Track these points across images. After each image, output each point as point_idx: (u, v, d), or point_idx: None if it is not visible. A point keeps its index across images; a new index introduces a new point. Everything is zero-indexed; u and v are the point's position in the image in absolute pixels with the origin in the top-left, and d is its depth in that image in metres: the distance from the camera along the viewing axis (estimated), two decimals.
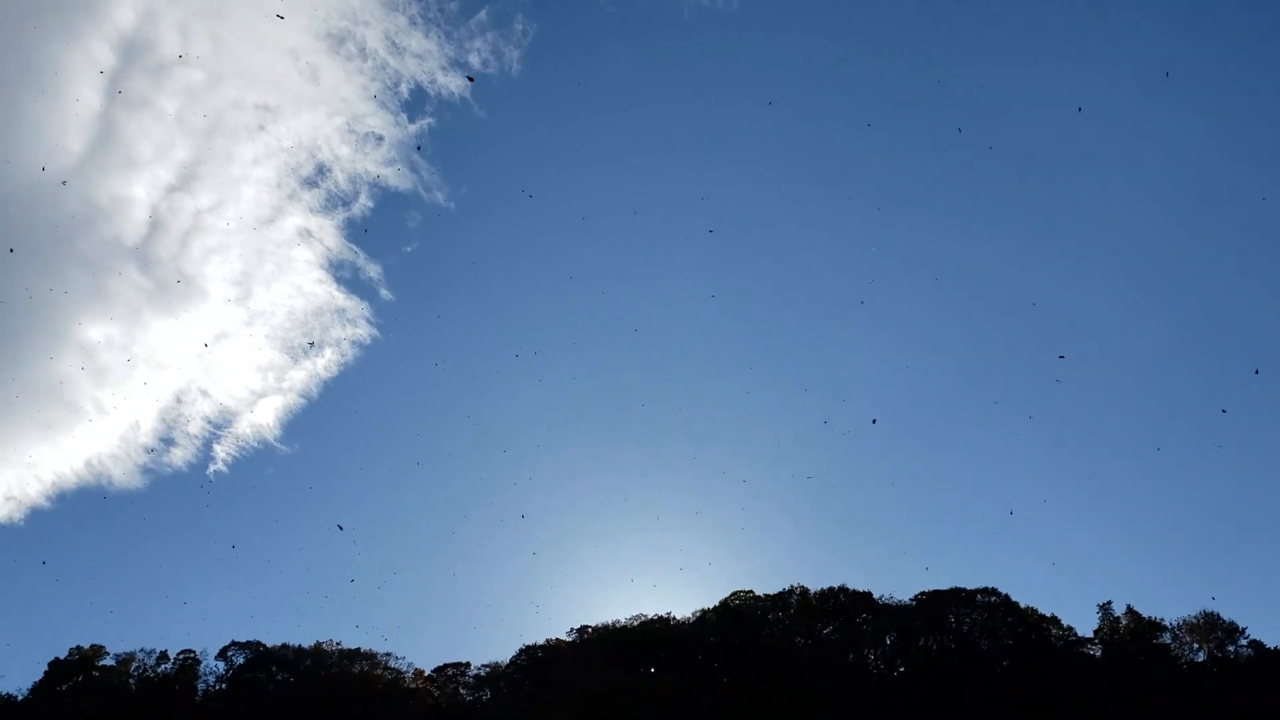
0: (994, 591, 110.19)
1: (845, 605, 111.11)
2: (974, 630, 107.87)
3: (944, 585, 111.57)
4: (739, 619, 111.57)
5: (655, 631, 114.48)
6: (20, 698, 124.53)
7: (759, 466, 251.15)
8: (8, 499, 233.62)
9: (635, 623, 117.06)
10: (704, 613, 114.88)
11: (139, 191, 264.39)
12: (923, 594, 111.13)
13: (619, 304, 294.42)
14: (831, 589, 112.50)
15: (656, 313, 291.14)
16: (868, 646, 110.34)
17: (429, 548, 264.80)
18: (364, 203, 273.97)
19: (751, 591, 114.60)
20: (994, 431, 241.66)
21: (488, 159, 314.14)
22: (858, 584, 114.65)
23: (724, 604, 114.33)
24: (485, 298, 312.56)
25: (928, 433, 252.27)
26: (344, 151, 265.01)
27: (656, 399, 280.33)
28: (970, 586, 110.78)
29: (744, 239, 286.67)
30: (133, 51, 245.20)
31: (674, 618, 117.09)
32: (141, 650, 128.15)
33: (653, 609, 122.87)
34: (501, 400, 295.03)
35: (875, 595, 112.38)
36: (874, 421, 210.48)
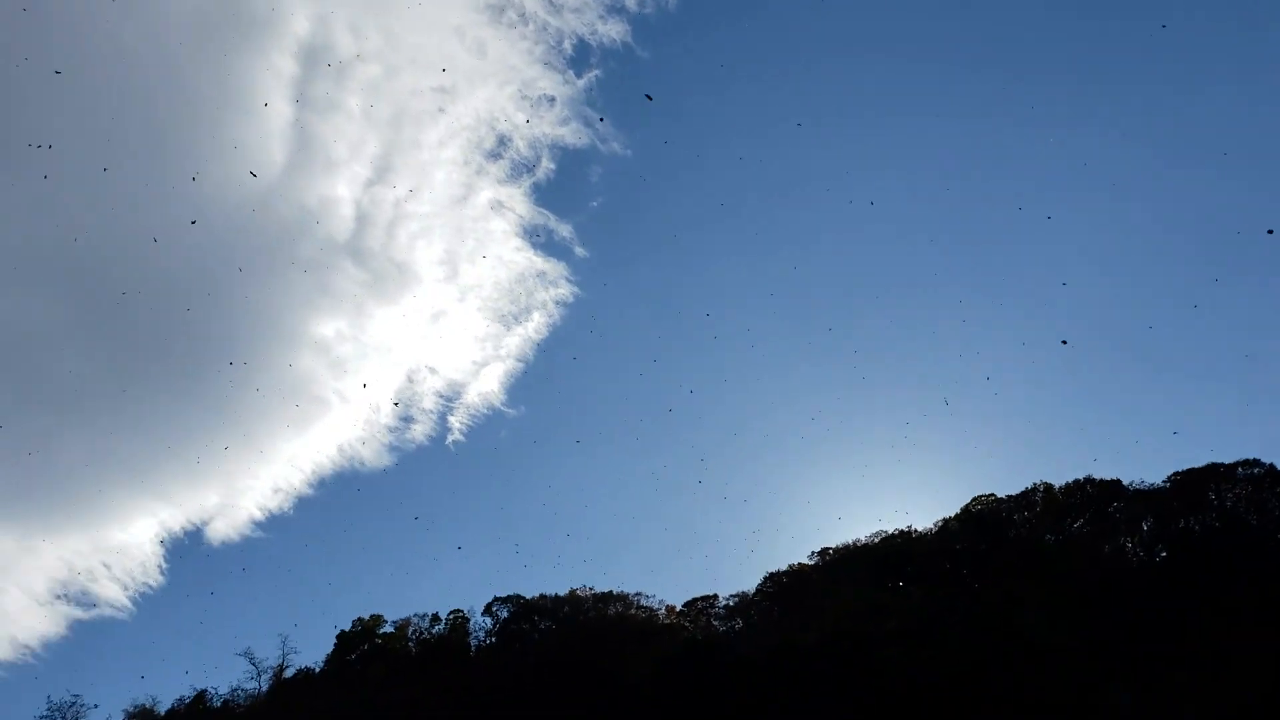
0: (1256, 463, 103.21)
1: (1093, 496, 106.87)
2: (1239, 505, 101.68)
3: (1198, 463, 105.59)
4: (982, 524, 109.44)
5: (897, 546, 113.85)
6: (318, 669, 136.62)
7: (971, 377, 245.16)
8: (276, 491, 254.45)
9: (876, 539, 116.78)
10: (945, 521, 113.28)
11: (342, 190, 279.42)
12: (1176, 475, 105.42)
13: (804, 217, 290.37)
14: (1077, 481, 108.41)
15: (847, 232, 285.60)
16: (1122, 535, 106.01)
17: (664, 489, 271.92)
18: (546, 165, 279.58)
19: (993, 495, 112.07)
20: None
21: (657, 100, 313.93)
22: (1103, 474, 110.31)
23: (965, 510, 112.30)
24: (673, 237, 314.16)
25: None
26: (520, 119, 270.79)
27: (862, 313, 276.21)
28: (1227, 460, 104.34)
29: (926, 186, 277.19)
30: (313, 58, 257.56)
31: (915, 530, 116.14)
32: (415, 615, 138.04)
33: (892, 525, 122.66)
34: (713, 330, 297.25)
35: (1124, 482, 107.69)
36: (1064, 342, 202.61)
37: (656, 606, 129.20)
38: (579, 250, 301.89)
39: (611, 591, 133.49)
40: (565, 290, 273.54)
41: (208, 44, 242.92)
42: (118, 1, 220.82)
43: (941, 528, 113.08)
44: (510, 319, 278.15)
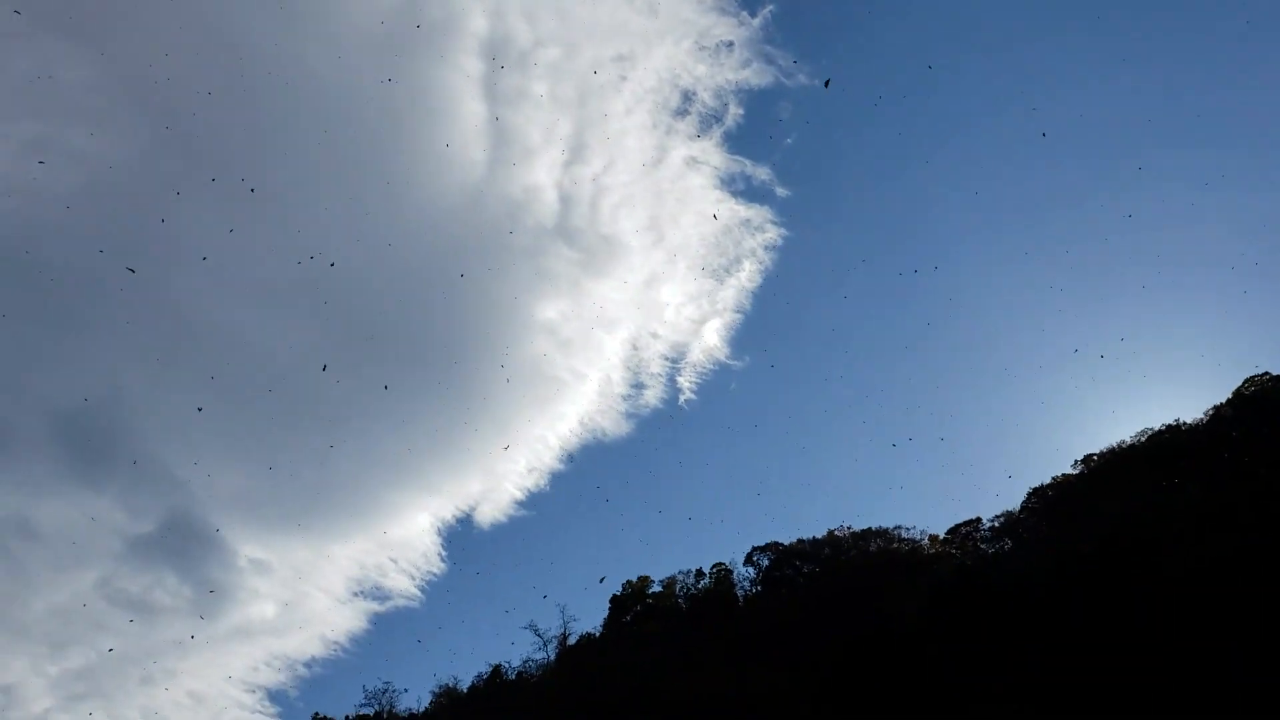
0: None
1: None
2: None
3: None
4: (1259, 405, 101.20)
5: (1166, 442, 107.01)
6: (597, 634, 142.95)
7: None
8: (531, 471, 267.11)
9: (1143, 439, 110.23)
10: (1217, 409, 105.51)
11: (542, 176, 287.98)
12: None
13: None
14: None
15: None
16: None
17: (902, 420, 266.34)
18: (734, 112, 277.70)
19: (1267, 374, 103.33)
20: None
21: (833, 19, 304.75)
22: None
23: (1238, 394, 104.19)
24: (874, 159, 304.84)
25: None
26: (701, 70, 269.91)
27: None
28: None
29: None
30: (496, 52, 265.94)
31: (1183, 423, 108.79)
32: (680, 572, 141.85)
33: (1159, 420, 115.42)
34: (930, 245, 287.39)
35: None
36: None
37: (918, 537, 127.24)
38: (780, 191, 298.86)
39: (870, 528, 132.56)
40: (772, 234, 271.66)
41: (396, 59, 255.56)
42: (304, 34, 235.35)
43: (1213, 416, 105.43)
44: (721, 271, 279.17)
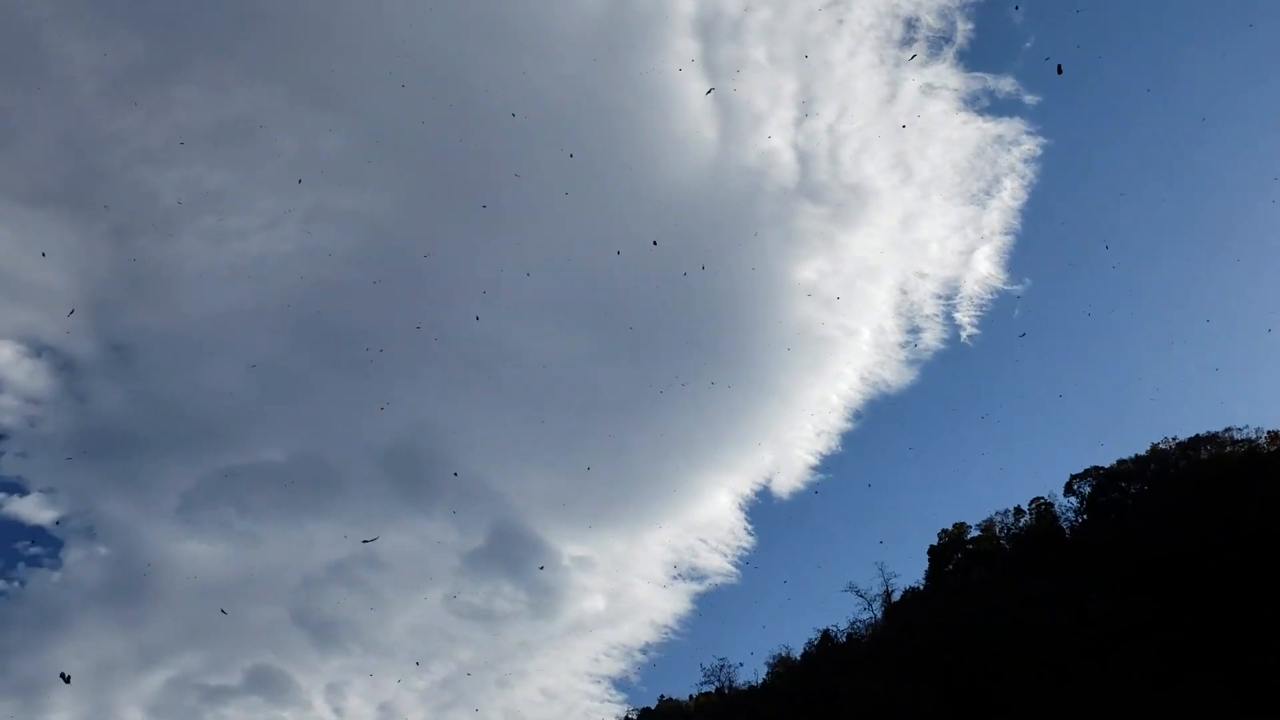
0: None
1: None
2: None
3: None
4: None
5: None
6: (920, 586, 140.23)
7: None
8: (819, 434, 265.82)
9: None
10: None
11: (776, 139, 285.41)
12: None
13: None
14: None
15: None
16: None
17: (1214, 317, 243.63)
18: (963, 28, 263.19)
19: None
20: None
21: None
22: None
23: None
24: (1127, 43, 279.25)
25: None
26: None
27: None
28: None
29: None
30: (708, 27, 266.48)
31: None
32: (996, 513, 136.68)
33: None
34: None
35: None
36: None
37: (1255, 436, 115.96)
38: (1029, 99, 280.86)
39: (1198, 435, 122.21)
40: (1029, 145, 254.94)
41: (613, 58, 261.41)
42: (520, 53, 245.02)
43: None
44: (981, 195, 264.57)
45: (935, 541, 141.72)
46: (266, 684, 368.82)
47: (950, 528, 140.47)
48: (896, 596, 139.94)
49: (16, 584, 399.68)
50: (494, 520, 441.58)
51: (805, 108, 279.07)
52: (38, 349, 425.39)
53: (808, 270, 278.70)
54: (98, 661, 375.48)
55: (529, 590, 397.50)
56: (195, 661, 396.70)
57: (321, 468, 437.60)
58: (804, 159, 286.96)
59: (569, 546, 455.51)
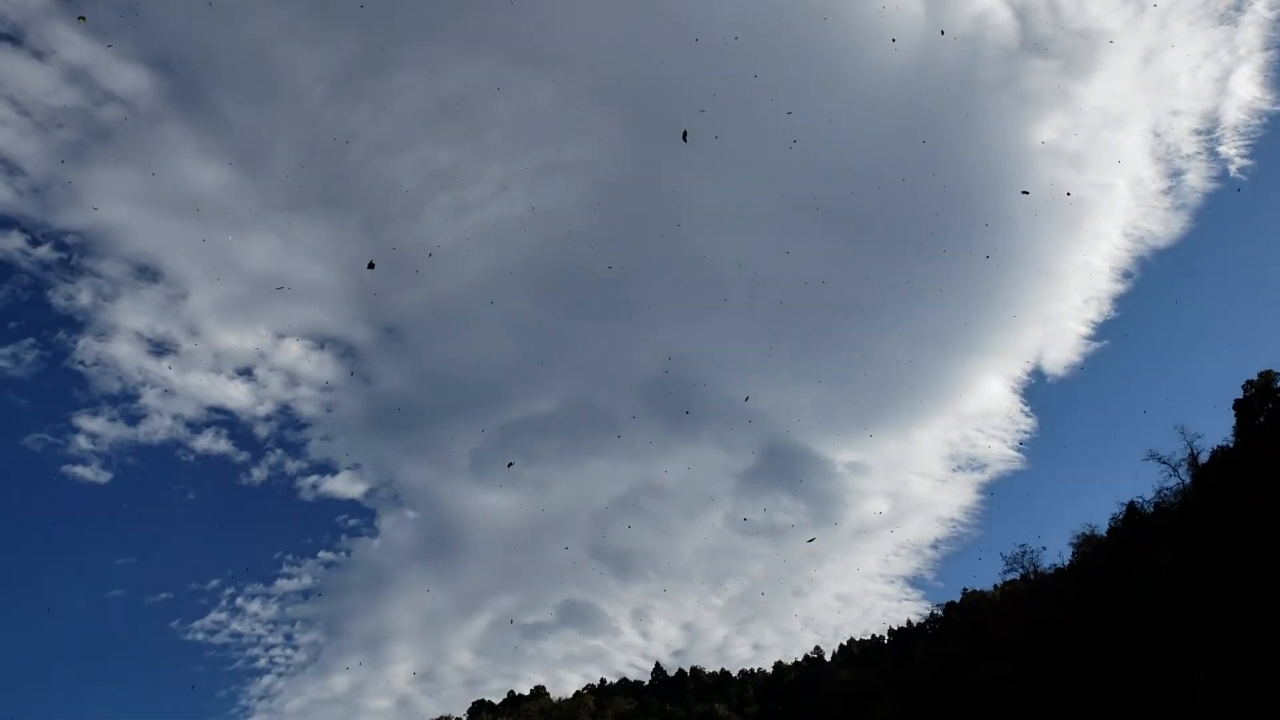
0: None
1: None
2: None
3: None
4: None
5: None
6: (1230, 444, 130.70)
7: None
8: (1087, 302, 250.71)
9: None
10: None
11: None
12: None
13: None
14: None
15: None
16: None
17: None
18: None
19: None
20: None
21: None
22: None
23: None
24: None
25: None
26: None
27: None
28: None
29: None
30: None
31: None
32: None
33: None
34: None
35: None
36: None
37: None
38: None
39: None
40: None
41: None
42: None
43: None
44: (1231, 12, 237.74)
45: (1240, 395, 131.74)
46: (577, 616, 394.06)
47: (1256, 377, 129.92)
48: (1204, 459, 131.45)
49: (344, 554, 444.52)
50: (761, 439, 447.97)
51: None
52: (320, 341, 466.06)
53: (1045, 130, 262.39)
54: (424, 613, 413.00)
55: (808, 501, 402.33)
56: (510, 603, 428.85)
57: (591, 411, 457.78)
58: (1022, 13, 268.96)
59: (840, 454, 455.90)
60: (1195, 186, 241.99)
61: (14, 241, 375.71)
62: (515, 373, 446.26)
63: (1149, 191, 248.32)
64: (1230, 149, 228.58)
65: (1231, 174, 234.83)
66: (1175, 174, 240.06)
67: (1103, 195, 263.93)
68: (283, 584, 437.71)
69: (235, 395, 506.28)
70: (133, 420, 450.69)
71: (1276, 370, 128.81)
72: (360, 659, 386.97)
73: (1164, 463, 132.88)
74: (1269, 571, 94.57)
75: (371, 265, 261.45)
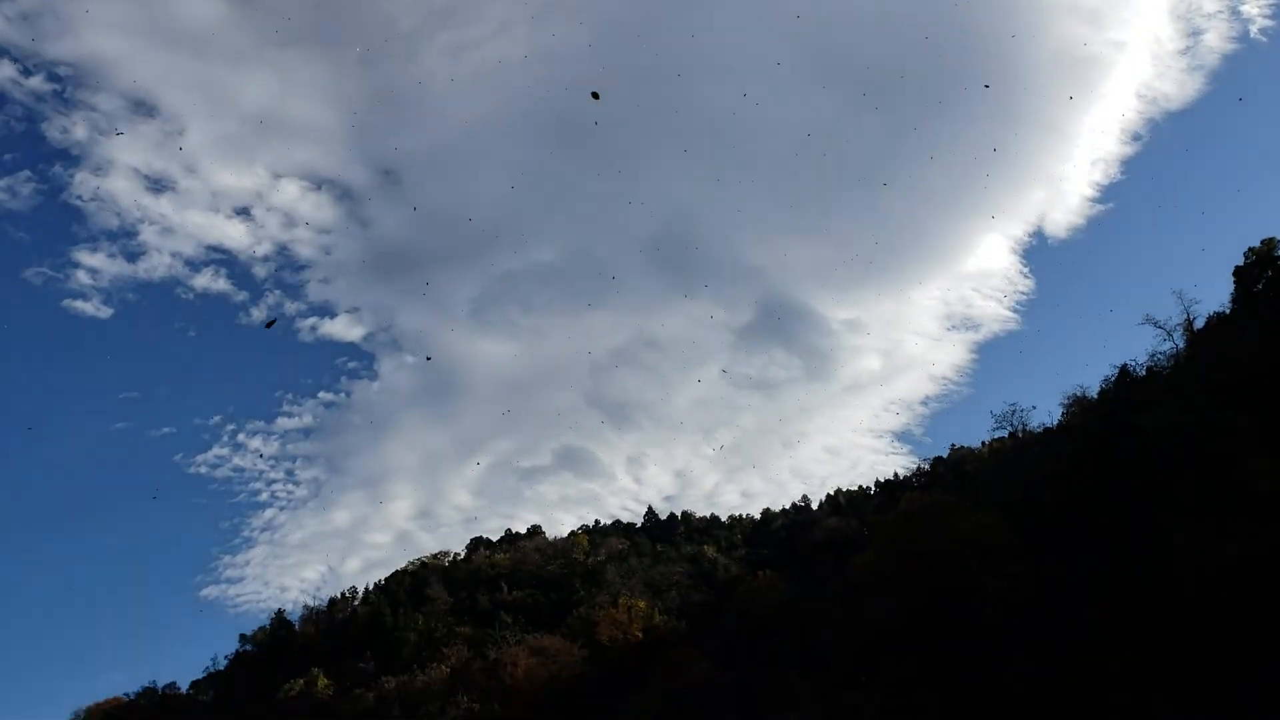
0: None
1: None
2: None
3: None
4: None
5: None
6: (1225, 310, 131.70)
7: None
8: (1094, 163, 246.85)
9: None
10: None
11: None
12: None
13: None
14: None
15: None
16: None
17: None
18: None
19: None
20: None
21: None
22: None
23: None
24: None
25: None
26: None
27: None
28: None
29: None
30: None
31: None
32: None
33: None
34: None
35: None
36: None
37: None
38: None
39: None
40: None
41: None
42: None
43: None
44: None
45: (1241, 262, 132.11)
46: (573, 461, 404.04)
47: (1259, 244, 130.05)
48: (1199, 324, 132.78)
49: (344, 395, 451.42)
50: (759, 294, 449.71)
51: None
52: (317, 182, 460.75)
53: None
54: (425, 454, 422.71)
55: (802, 356, 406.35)
56: (508, 447, 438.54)
57: (592, 262, 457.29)
58: None
59: (837, 310, 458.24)
60: (1214, 47, 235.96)
61: (5, 71, 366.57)
62: (515, 220, 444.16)
63: (1165, 51, 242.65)
64: (1253, 8, 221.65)
65: (1252, 34, 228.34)
66: (1194, 33, 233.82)
67: (1116, 53, 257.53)
68: (283, 422, 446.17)
69: (233, 235, 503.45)
70: (132, 257, 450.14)
71: (1279, 238, 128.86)
72: (362, 495, 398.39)
73: (1159, 327, 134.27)
74: (1254, 435, 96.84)
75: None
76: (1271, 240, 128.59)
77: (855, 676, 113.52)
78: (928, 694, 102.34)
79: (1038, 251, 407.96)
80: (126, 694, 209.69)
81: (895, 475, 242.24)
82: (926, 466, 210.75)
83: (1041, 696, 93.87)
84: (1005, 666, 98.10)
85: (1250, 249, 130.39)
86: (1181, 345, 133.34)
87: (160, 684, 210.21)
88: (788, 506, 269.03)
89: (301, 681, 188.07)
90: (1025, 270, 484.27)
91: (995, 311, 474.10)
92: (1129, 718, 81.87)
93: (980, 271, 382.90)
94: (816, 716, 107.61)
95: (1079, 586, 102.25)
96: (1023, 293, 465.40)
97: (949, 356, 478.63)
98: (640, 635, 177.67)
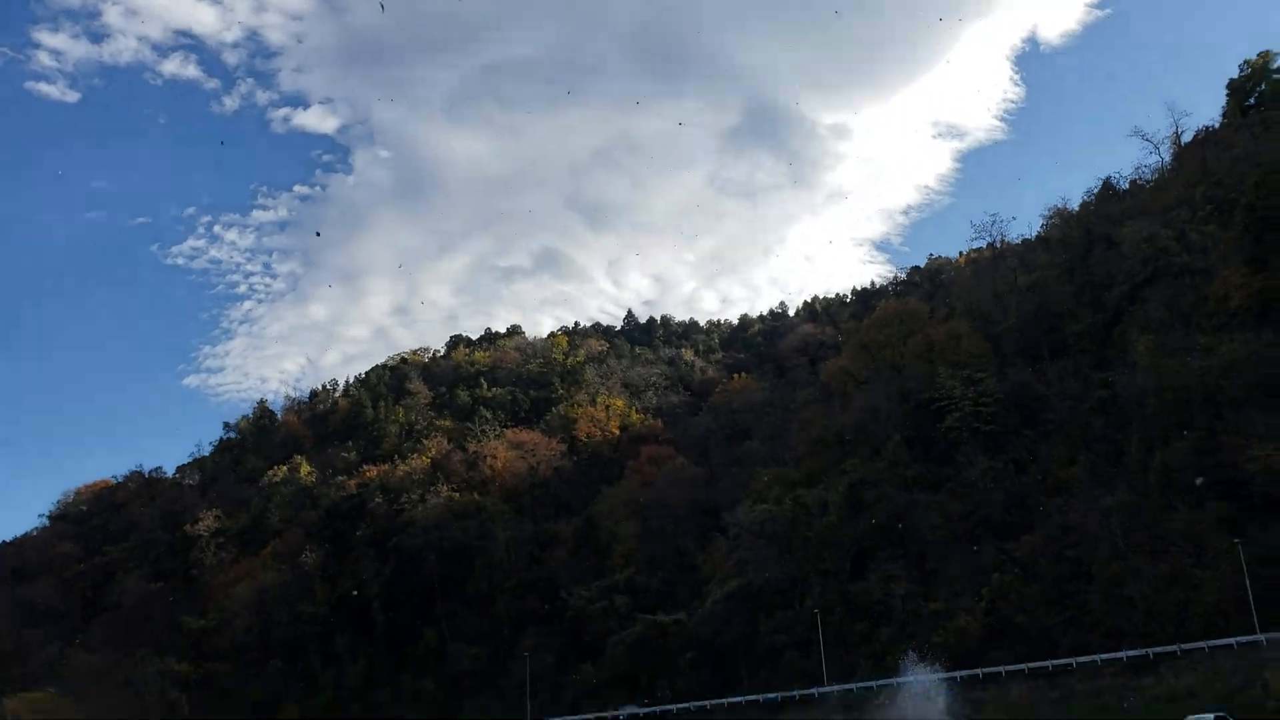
0: None
1: None
2: None
3: None
4: None
5: None
6: (1216, 125, 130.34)
7: None
8: None
9: None
10: None
11: None
12: None
13: None
14: None
15: None
16: None
17: None
18: None
19: None
20: None
21: None
22: None
23: None
24: None
25: None
26: None
27: None
28: None
29: None
30: None
31: None
32: None
33: None
34: None
35: None
36: None
37: None
38: None
39: None
40: None
41: None
42: None
43: None
44: None
45: (1235, 75, 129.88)
46: (551, 263, 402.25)
47: (1254, 58, 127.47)
48: (1187, 138, 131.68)
49: (319, 188, 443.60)
50: (748, 95, 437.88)
51: None
52: None
53: None
54: (402, 250, 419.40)
55: (789, 162, 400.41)
56: (486, 246, 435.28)
57: (573, 57, 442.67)
58: None
59: (824, 115, 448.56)
60: None
61: None
62: (494, 11, 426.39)
63: None
64: None
65: None
66: None
67: None
68: (259, 214, 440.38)
69: (202, 19, 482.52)
70: (96, 38, 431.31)
71: (1276, 52, 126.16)
72: (339, 291, 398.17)
73: (1147, 139, 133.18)
74: (1234, 249, 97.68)
75: None
76: (1267, 53, 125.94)
77: (821, 474, 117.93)
78: (889, 488, 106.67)
79: (1030, 59, 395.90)
80: (114, 476, 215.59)
81: (871, 284, 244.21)
82: (903, 275, 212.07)
83: (1003, 491, 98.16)
84: (970, 465, 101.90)
85: (1246, 61, 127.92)
86: (1168, 159, 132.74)
87: (147, 468, 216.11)
88: (765, 313, 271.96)
89: (285, 468, 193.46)
90: (1016, 78, 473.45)
91: (983, 120, 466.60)
92: (1081, 515, 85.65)
93: (970, 77, 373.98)
94: (784, 507, 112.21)
95: (1043, 395, 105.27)
96: (1012, 101, 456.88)
97: (933, 165, 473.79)
98: (618, 432, 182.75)
